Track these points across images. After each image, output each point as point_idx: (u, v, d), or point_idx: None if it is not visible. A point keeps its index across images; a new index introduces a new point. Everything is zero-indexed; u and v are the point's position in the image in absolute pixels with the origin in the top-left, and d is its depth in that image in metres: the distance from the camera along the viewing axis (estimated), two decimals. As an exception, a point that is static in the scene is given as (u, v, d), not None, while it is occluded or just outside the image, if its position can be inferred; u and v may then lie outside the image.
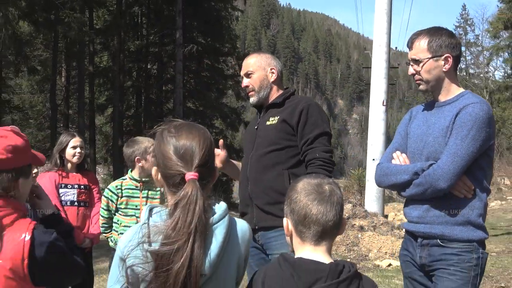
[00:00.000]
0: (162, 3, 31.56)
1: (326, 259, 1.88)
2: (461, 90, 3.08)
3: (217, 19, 32.06)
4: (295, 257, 1.91)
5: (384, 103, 13.21)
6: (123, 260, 1.84)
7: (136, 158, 4.47)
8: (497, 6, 36.29)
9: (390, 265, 9.70)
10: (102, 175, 34.47)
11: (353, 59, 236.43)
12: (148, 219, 1.86)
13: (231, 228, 1.93)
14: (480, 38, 53.00)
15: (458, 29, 74.86)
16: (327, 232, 1.89)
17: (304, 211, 1.88)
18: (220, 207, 1.92)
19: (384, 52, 13.32)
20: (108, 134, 34.26)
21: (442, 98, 3.09)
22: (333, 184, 1.96)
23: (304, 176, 2.04)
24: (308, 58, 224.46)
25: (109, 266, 4.78)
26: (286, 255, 1.92)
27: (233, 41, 34.54)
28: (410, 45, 3.09)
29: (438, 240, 2.91)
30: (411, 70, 3.09)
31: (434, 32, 3.05)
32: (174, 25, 28.60)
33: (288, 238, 2.00)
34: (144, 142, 4.48)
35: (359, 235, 10.96)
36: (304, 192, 1.91)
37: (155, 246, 1.78)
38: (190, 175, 1.84)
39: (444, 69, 3.01)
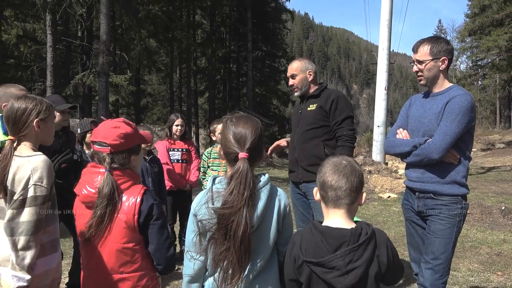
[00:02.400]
0: (238, 24, 31.37)
1: (347, 224, 1.61)
2: (450, 84, 2.69)
3: (274, 34, 31.76)
4: (323, 224, 1.65)
5: (385, 88, 12.68)
6: (195, 215, 1.69)
7: (211, 133, 4.51)
8: (464, 19, 35.60)
9: (389, 197, 9.33)
10: (203, 135, 34.91)
11: (363, 58, 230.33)
12: (212, 186, 1.70)
13: (272, 192, 1.72)
14: (450, 42, 51.57)
15: (435, 36, 71.80)
16: (341, 197, 1.61)
17: (322, 179, 1.64)
18: (264, 177, 1.72)
19: (386, 54, 12.75)
20: (206, 109, 34.67)
21: (435, 90, 2.71)
22: (352, 162, 1.67)
23: (335, 156, 1.74)
24: (333, 58, 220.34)
25: None
26: (316, 223, 1.66)
27: (284, 48, 34.18)
28: (415, 49, 2.70)
29: (431, 194, 2.61)
30: (415, 68, 2.71)
31: (435, 40, 2.66)
32: (246, 38, 28.42)
33: (317, 200, 1.73)
34: (214, 124, 4.49)
35: (368, 177, 10.62)
36: (326, 165, 1.67)
37: (217, 205, 1.62)
38: (242, 154, 1.66)
39: (441, 68, 2.63)
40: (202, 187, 4.54)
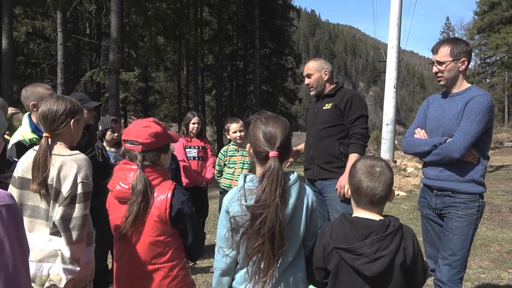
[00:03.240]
0: (246, 22, 31.32)
1: (376, 217, 1.70)
2: (469, 85, 2.73)
3: (281, 31, 31.64)
4: (353, 215, 1.74)
5: (395, 87, 12.67)
6: (227, 212, 1.75)
7: (225, 132, 4.56)
8: (473, 17, 35.50)
9: (398, 195, 9.33)
10: (209, 132, 35.02)
11: (369, 56, 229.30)
12: (244, 183, 1.75)
13: (301, 189, 1.78)
14: (458, 39, 50.97)
15: (443, 34, 70.97)
16: (374, 202, 1.70)
17: (357, 185, 1.72)
18: (293, 175, 1.78)
19: (395, 52, 12.73)
20: (213, 107, 34.69)
21: (454, 90, 2.74)
22: (385, 167, 1.73)
23: (364, 156, 1.82)
24: (340, 55, 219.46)
25: (219, 200, 4.86)
26: (346, 214, 1.75)
27: (291, 46, 34.02)
28: (435, 50, 2.73)
29: (450, 192, 2.65)
30: (435, 69, 2.75)
31: (455, 41, 2.70)
32: (253, 36, 28.44)
33: (348, 197, 1.83)
34: (228, 123, 4.54)
35: (377, 175, 10.60)
36: (360, 170, 1.73)
37: (250, 202, 1.68)
38: (273, 153, 1.71)
39: (460, 69, 2.67)
40: (220, 185, 4.60)
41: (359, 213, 1.75)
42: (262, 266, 1.68)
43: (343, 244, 1.66)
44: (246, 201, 1.69)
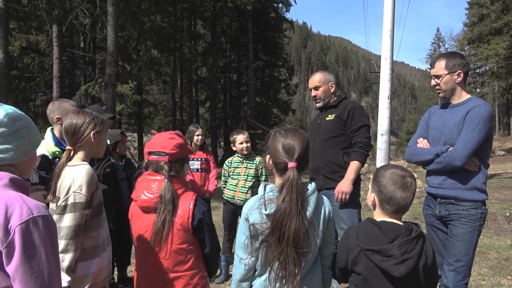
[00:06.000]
0: (239, 34, 31.65)
1: (399, 223, 1.81)
2: (468, 95, 2.85)
3: (274, 43, 32.03)
4: (378, 220, 1.84)
5: (389, 97, 12.81)
6: (247, 220, 1.82)
7: (231, 144, 4.60)
8: (463, 28, 36.27)
9: (394, 204, 9.43)
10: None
11: (361, 67, 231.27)
12: (264, 193, 1.81)
13: (319, 199, 1.86)
14: (448, 50, 51.88)
15: (433, 44, 72.00)
16: (402, 209, 1.81)
17: (390, 195, 1.79)
18: (311, 185, 1.84)
19: (389, 63, 12.86)
20: (207, 118, 34.84)
21: (454, 101, 2.87)
22: (413, 178, 1.83)
23: (391, 166, 1.90)
24: (332, 66, 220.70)
25: (222, 211, 4.90)
26: (372, 219, 1.85)
27: (284, 58, 34.38)
28: (432, 64, 2.88)
29: (453, 200, 2.74)
30: (433, 82, 2.89)
31: (450, 55, 2.84)
32: (247, 48, 28.70)
33: (370, 205, 1.91)
34: (234, 135, 4.59)
35: (373, 184, 10.74)
36: (392, 181, 1.80)
37: (269, 211, 1.75)
38: (292, 164, 1.77)
39: (457, 82, 2.80)
40: (224, 196, 4.64)
41: (383, 218, 1.83)
42: (283, 273, 1.74)
43: (372, 246, 1.74)
44: (266, 210, 1.75)
